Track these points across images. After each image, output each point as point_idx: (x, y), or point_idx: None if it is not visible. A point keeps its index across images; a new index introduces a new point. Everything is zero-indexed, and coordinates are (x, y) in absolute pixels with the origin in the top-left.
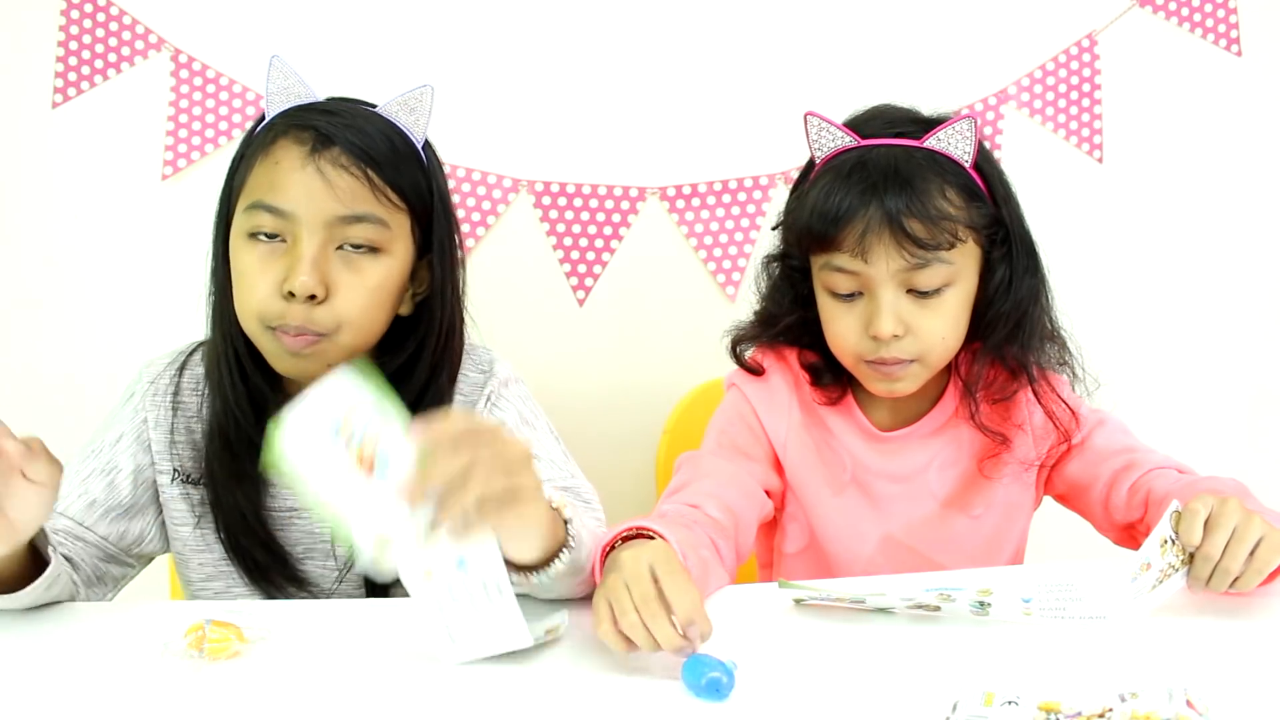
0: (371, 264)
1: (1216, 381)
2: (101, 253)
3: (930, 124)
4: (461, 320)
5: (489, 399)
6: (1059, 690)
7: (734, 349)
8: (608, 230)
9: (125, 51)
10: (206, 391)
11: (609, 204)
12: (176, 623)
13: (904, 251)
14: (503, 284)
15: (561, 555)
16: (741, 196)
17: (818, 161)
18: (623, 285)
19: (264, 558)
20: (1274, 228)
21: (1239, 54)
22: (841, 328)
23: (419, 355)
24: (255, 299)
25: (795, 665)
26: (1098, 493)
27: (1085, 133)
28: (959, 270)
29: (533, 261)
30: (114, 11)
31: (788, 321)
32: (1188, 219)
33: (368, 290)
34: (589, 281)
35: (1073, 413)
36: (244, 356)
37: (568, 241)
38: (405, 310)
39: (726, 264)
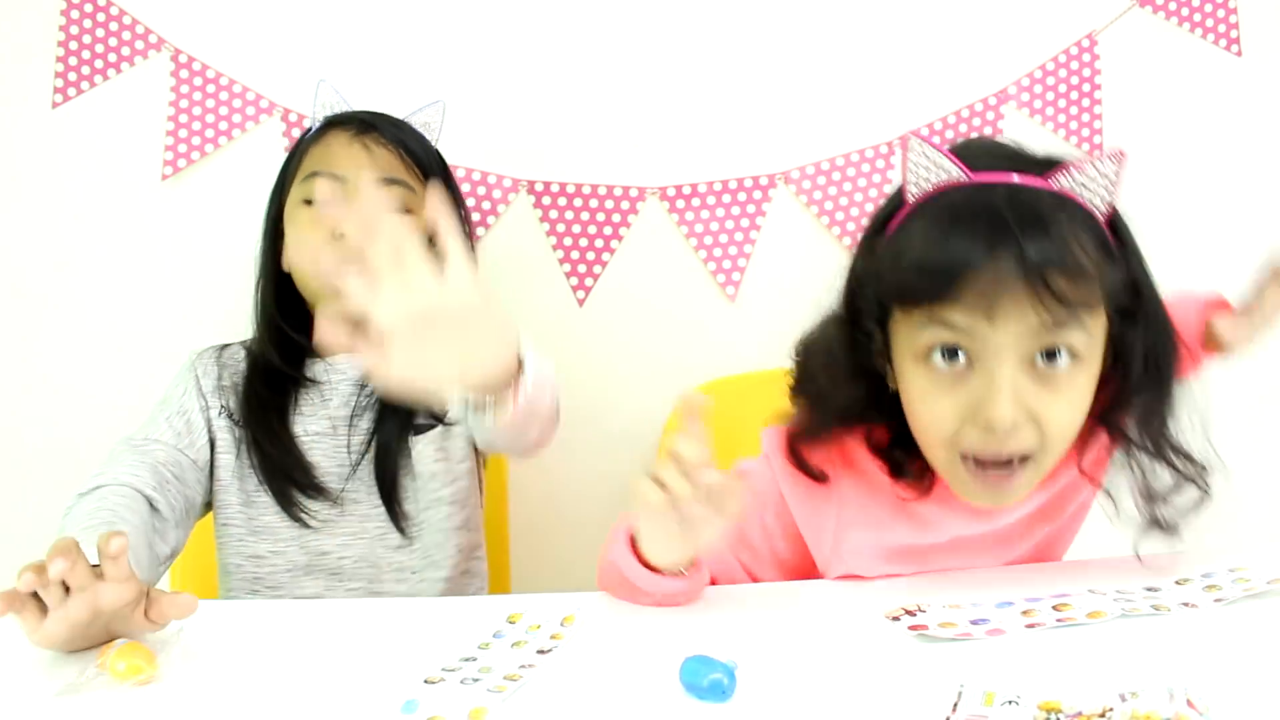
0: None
1: (1216, 381)
2: (102, 253)
3: (1047, 163)
4: None
5: None
6: (1059, 690)
7: (790, 449)
8: (608, 230)
9: (125, 51)
10: (252, 333)
11: (609, 204)
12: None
13: (1042, 310)
14: (503, 284)
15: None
16: (741, 196)
17: (913, 197)
18: (623, 285)
19: (289, 467)
20: (1274, 228)
21: (1239, 54)
22: (939, 410)
23: None
24: (310, 250)
25: (795, 665)
26: None
27: (1085, 133)
28: (1093, 344)
29: (533, 261)
30: (114, 11)
31: (850, 394)
32: (1188, 219)
33: None
34: (589, 281)
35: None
36: (283, 300)
37: (568, 241)
38: None
39: (726, 264)
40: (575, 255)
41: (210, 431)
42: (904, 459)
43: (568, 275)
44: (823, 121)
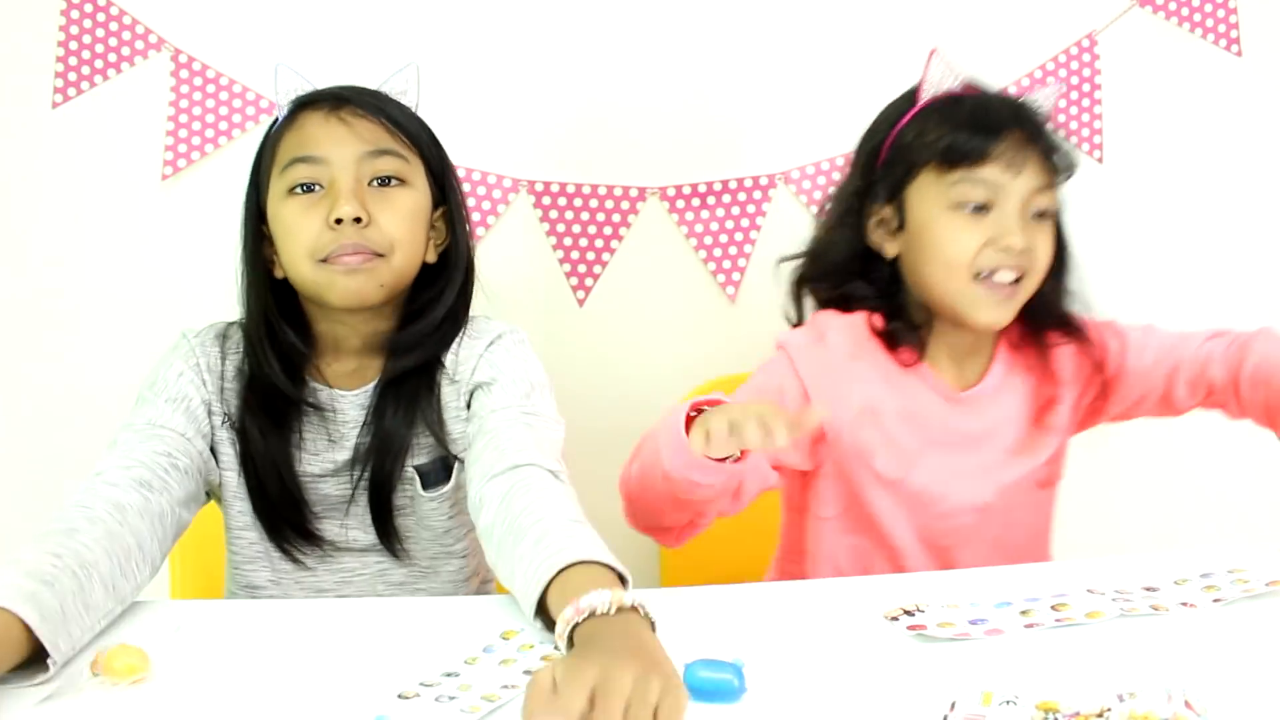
0: (400, 193)
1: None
2: (101, 253)
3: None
4: (473, 267)
5: (480, 358)
6: (1057, 690)
7: (796, 291)
8: (608, 230)
9: (125, 51)
10: (244, 351)
11: (609, 204)
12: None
13: (1046, 169)
14: (503, 284)
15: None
16: (741, 196)
17: (924, 98)
18: (623, 285)
19: (286, 506)
20: (1274, 228)
21: (1239, 54)
22: (966, 242)
23: (444, 292)
24: (306, 239)
25: (794, 665)
26: (1154, 400)
27: (1085, 133)
28: (1057, 207)
29: (533, 261)
30: (114, 11)
31: (850, 255)
32: (1188, 219)
33: (403, 213)
34: (589, 281)
35: (1102, 345)
36: (275, 319)
37: (568, 241)
38: (431, 258)
39: (726, 264)
40: (575, 255)
41: (212, 433)
42: (901, 330)
43: (568, 275)
44: (823, 121)
